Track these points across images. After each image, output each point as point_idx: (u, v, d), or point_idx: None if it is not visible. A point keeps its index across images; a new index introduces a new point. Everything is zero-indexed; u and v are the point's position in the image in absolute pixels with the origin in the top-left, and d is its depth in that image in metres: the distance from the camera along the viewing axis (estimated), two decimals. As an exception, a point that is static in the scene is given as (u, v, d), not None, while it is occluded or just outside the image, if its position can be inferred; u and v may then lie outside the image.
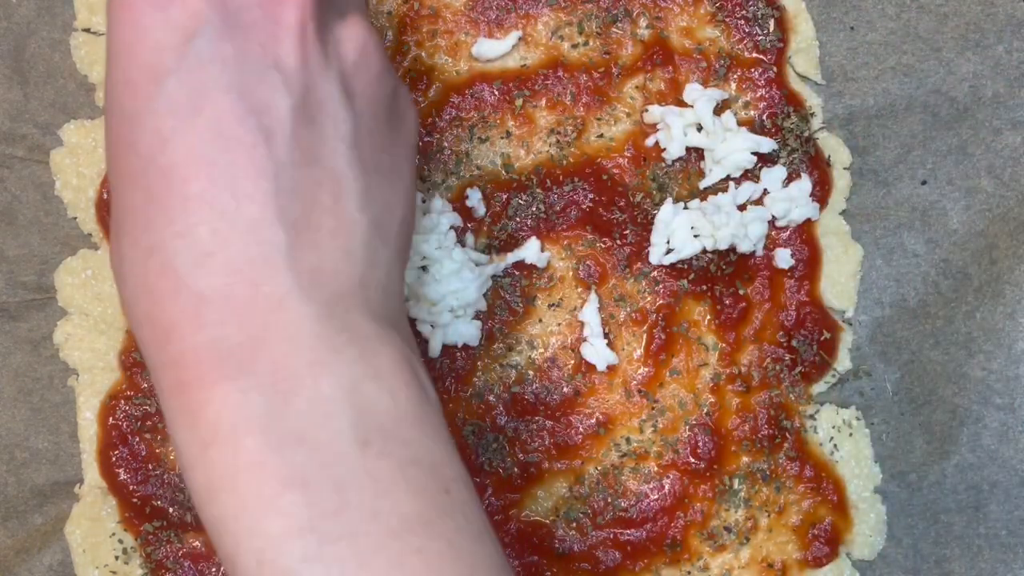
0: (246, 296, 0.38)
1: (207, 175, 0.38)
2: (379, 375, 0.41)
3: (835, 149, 0.69)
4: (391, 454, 0.40)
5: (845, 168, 0.69)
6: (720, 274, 0.68)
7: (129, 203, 0.39)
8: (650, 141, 0.68)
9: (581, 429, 0.68)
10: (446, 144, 0.69)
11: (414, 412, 0.42)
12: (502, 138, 0.69)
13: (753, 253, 0.68)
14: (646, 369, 0.68)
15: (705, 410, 0.68)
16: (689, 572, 0.68)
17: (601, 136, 0.69)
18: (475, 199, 0.68)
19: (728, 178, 0.68)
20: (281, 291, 0.39)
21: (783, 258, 0.68)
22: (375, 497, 0.39)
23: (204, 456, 0.39)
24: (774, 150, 0.68)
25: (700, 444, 0.68)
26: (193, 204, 0.38)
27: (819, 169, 0.68)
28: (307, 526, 0.38)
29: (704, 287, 0.68)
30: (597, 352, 0.67)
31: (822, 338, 0.69)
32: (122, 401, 0.68)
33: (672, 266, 0.68)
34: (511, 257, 0.67)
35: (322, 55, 0.41)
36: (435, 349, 0.67)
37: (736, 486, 0.68)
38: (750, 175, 0.68)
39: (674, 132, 0.67)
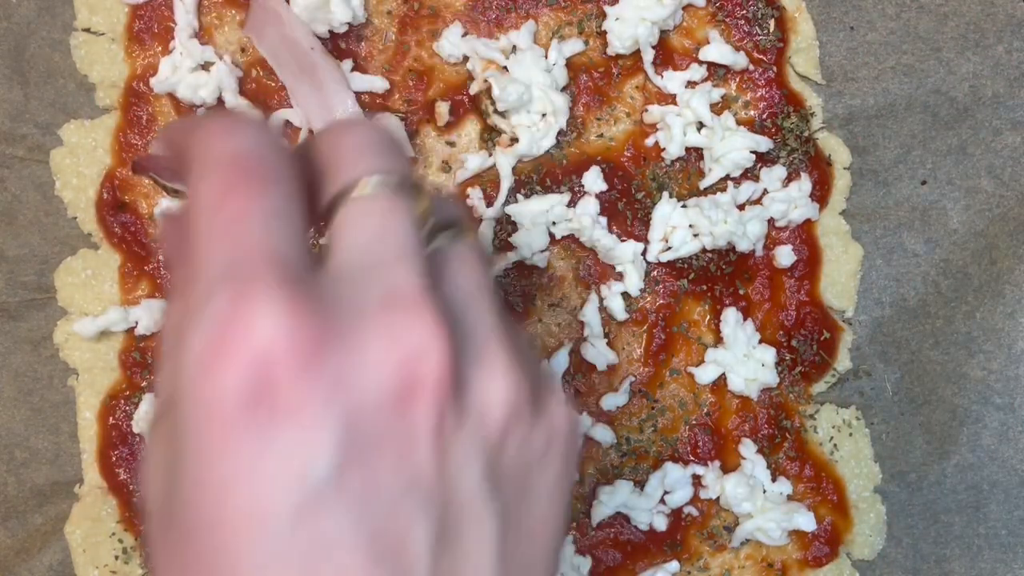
0: None
1: None
2: None
3: (835, 149, 0.69)
4: None
5: (845, 168, 0.69)
6: (720, 274, 0.68)
7: None
8: (650, 141, 0.68)
9: (581, 429, 0.68)
10: (446, 144, 0.69)
11: None
12: (502, 138, 0.69)
13: (753, 252, 0.68)
14: (646, 369, 0.68)
15: (705, 410, 0.68)
16: (689, 572, 0.68)
17: (601, 136, 0.69)
18: (475, 198, 0.68)
19: (728, 178, 0.68)
20: None
21: (783, 257, 0.68)
22: None
23: None
24: (772, 149, 0.67)
25: (700, 444, 0.68)
26: None
27: (819, 169, 0.68)
28: None
29: (704, 287, 0.68)
30: (597, 352, 0.67)
31: (822, 338, 0.69)
32: (122, 401, 0.68)
33: (672, 265, 0.68)
34: (511, 257, 0.67)
35: (464, 441, 0.31)
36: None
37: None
38: (750, 175, 0.68)
39: (674, 132, 0.67)
